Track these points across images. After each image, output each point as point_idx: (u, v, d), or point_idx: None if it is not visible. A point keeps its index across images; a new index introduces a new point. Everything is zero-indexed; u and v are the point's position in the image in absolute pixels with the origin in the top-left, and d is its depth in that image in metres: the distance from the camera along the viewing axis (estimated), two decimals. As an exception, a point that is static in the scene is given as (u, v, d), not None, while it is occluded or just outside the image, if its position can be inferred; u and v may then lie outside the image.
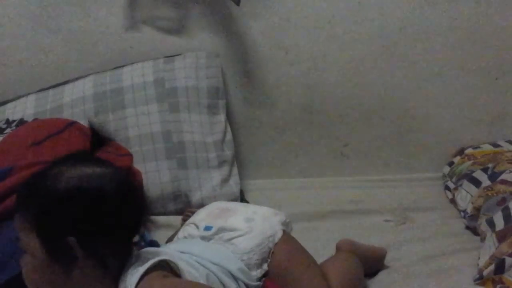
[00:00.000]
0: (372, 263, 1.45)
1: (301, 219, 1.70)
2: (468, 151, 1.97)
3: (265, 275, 1.21)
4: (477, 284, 1.31)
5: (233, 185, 1.88)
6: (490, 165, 1.73)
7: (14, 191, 1.27)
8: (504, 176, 1.64)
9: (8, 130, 1.77)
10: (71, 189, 0.94)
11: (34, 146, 1.46)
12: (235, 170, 1.92)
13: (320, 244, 1.52)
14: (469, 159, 1.90)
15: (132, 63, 1.98)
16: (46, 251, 0.94)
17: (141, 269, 0.93)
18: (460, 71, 2.01)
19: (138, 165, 1.76)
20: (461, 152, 1.99)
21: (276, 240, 1.24)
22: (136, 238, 1.31)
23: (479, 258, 1.42)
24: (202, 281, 1.03)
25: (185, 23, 2.00)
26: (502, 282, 1.25)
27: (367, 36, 1.98)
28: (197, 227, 1.26)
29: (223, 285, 1.09)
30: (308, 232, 1.64)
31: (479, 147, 1.97)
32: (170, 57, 1.98)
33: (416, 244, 1.59)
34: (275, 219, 1.29)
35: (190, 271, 1.02)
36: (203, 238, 1.23)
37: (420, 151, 2.09)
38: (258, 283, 1.18)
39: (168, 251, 1.03)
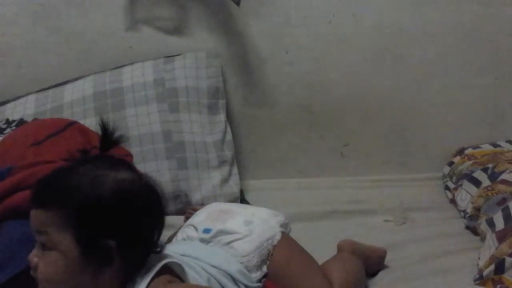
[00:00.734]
0: (372, 263, 1.45)
1: (301, 219, 1.70)
2: (468, 151, 1.96)
3: (265, 276, 1.21)
4: (477, 284, 1.31)
5: (233, 185, 1.88)
6: (490, 165, 1.73)
7: (14, 191, 1.27)
8: (504, 176, 1.64)
9: (8, 130, 1.77)
10: (119, 192, 0.93)
11: (34, 146, 1.46)
12: (235, 170, 1.92)
13: (320, 244, 1.52)
14: (469, 159, 1.90)
15: (132, 63, 1.98)
16: (81, 251, 0.92)
17: (147, 277, 0.93)
18: (460, 71, 2.01)
19: (138, 165, 1.75)
20: (461, 152, 1.99)
21: (275, 242, 1.24)
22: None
23: (479, 258, 1.42)
24: (203, 282, 1.03)
25: (185, 23, 1.99)
26: (502, 282, 1.25)
27: (367, 36, 1.98)
28: (196, 229, 1.26)
29: (222, 285, 1.09)
30: (308, 232, 1.63)
31: (479, 147, 1.97)
32: (170, 57, 1.98)
33: (416, 244, 1.59)
34: (274, 221, 1.29)
35: (192, 275, 1.02)
36: (202, 240, 1.23)
37: (420, 151, 2.09)
38: (259, 284, 1.18)
39: (171, 254, 1.03)
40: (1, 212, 1.26)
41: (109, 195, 0.92)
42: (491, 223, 1.49)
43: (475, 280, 1.33)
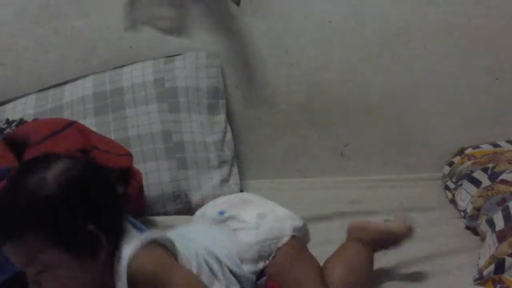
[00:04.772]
0: (386, 242, 1.40)
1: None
2: (468, 151, 1.96)
3: (262, 274, 1.20)
4: (477, 284, 1.31)
5: (233, 185, 1.88)
6: (490, 165, 1.73)
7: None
8: (504, 176, 1.64)
9: (8, 130, 1.77)
10: (64, 184, 0.95)
11: (34, 146, 1.46)
12: (235, 170, 1.92)
13: (319, 245, 1.52)
14: (469, 159, 1.89)
15: (132, 63, 1.98)
16: (71, 253, 0.94)
17: (134, 243, 0.96)
18: (460, 71, 2.01)
19: (138, 165, 1.76)
20: (461, 152, 1.99)
21: (280, 244, 1.22)
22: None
23: (479, 258, 1.42)
24: (191, 258, 1.06)
25: (185, 23, 2.00)
26: (502, 282, 1.25)
27: (367, 36, 1.98)
28: (213, 209, 1.28)
29: (208, 264, 1.11)
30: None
31: (479, 147, 1.97)
32: (170, 57, 1.98)
33: (416, 244, 1.58)
34: (288, 223, 1.27)
35: (180, 250, 1.05)
36: (213, 220, 1.25)
37: (420, 151, 2.08)
38: (251, 275, 1.18)
39: (163, 232, 1.06)
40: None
41: (59, 191, 0.94)
42: (491, 223, 1.49)
43: (475, 280, 1.33)
